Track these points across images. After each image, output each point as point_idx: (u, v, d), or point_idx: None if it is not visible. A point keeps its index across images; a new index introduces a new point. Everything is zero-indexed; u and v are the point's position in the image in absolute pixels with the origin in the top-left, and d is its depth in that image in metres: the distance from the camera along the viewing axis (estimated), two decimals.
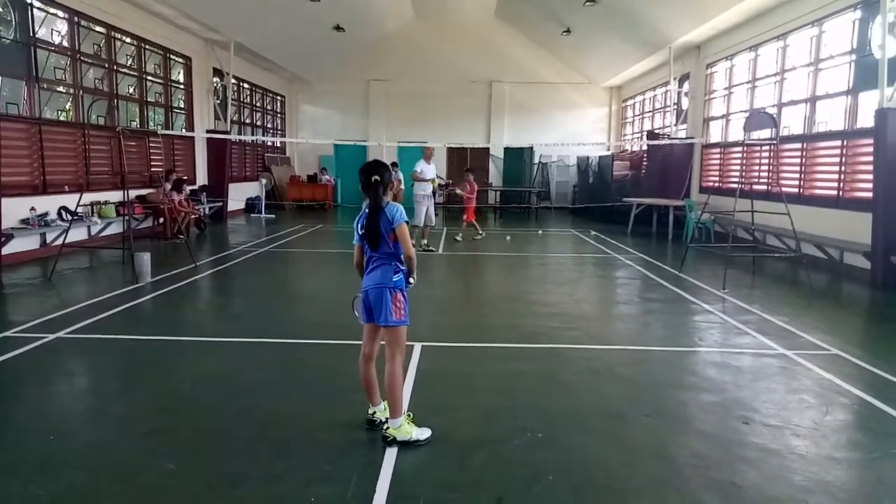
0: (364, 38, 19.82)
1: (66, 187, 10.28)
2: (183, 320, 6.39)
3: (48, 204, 9.77)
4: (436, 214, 11.44)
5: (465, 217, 12.95)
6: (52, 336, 5.32)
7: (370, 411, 3.62)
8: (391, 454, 3.27)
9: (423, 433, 3.43)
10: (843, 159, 9.70)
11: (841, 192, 9.69)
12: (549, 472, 3.14)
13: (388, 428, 3.40)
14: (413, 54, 21.10)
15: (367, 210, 3.39)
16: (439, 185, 11.50)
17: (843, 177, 9.69)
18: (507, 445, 3.43)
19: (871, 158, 8.52)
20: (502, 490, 2.98)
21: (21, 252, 9.11)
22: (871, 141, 8.50)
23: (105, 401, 4.12)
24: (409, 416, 3.49)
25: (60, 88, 10.65)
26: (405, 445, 3.35)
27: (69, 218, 9.60)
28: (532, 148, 21.08)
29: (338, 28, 17.51)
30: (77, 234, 9.99)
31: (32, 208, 9.38)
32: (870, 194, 8.51)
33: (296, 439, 3.48)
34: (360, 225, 3.44)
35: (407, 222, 3.41)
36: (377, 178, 3.38)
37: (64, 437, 3.45)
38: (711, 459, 3.32)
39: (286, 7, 14.61)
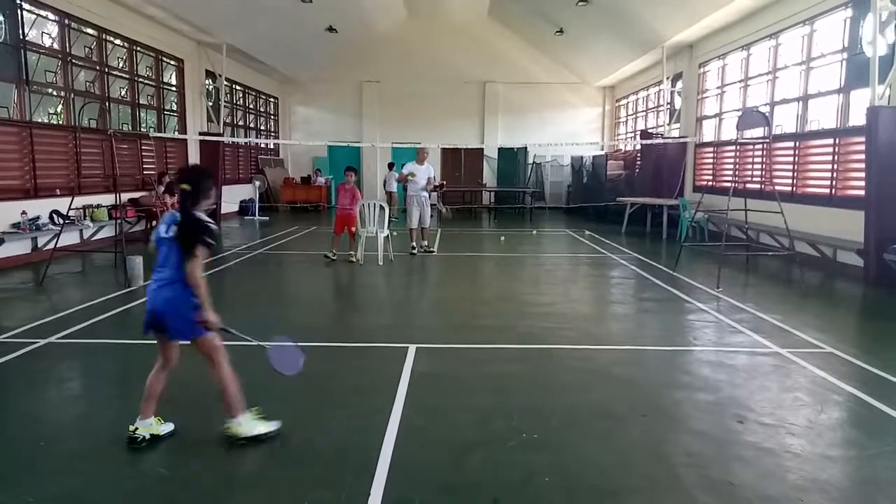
0: (356, 39, 19.80)
1: (58, 191, 10.22)
2: None
3: (39, 208, 9.71)
4: (431, 216, 11.30)
5: (341, 230, 9.90)
6: (43, 341, 5.28)
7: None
8: (386, 456, 3.25)
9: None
10: (836, 157, 9.73)
11: (833, 191, 9.72)
12: (544, 473, 3.13)
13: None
14: (406, 55, 21.08)
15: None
16: (434, 187, 11.28)
17: (835, 175, 9.72)
18: (502, 447, 3.42)
19: (863, 156, 8.55)
20: (498, 492, 2.97)
21: (12, 256, 9.05)
22: (863, 139, 8.53)
23: (96, 406, 4.08)
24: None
25: (51, 91, 10.58)
26: None
27: (61, 222, 9.54)
28: (526, 148, 21.10)
29: (330, 29, 17.48)
30: (69, 238, 9.92)
31: (23, 212, 9.32)
32: (862, 192, 8.54)
33: (289, 442, 3.45)
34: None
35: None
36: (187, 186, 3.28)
37: (55, 443, 3.42)
38: (706, 458, 3.31)
39: (278, 9, 14.58)
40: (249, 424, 3.41)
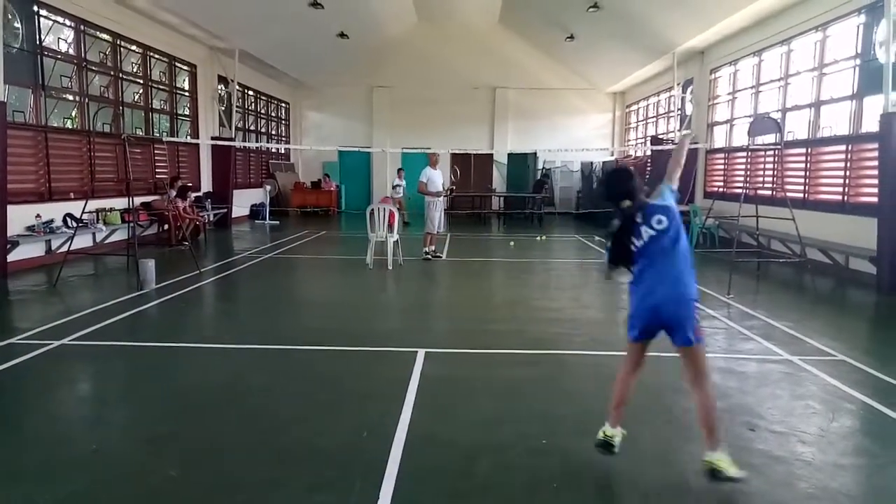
0: (368, 44, 19.89)
1: (72, 194, 10.32)
2: (187, 327, 6.40)
3: (53, 211, 9.81)
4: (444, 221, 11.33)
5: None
6: (56, 343, 5.33)
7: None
8: (394, 461, 3.26)
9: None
10: (848, 164, 9.66)
11: (846, 197, 9.65)
12: (553, 479, 3.13)
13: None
14: (417, 60, 21.14)
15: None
16: (447, 190, 11.35)
17: (848, 181, 9.64)
18: (511, 452, 3.42)
19: (876, 163, 8.49)
20: (506, 497, 2.97)
21: (26, 259, 9.14)
22: (876, 145, 8.47)
23: (108, 407, 4.13)
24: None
25: (67, 96, 10.71)
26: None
27: (74, 225, 9.65)
28: (536, 154, 21.08)
29: (342, 35, 17.57)
30: (82, 241, 10.02)
31: (38, 215, 9.42)
32: (875, 199, 8.47)
33: (298, 445, 3.48)
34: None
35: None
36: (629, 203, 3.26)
37: (67, 443, 3.46)
38: None
39: (290, 14, 14.67)
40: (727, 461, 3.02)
